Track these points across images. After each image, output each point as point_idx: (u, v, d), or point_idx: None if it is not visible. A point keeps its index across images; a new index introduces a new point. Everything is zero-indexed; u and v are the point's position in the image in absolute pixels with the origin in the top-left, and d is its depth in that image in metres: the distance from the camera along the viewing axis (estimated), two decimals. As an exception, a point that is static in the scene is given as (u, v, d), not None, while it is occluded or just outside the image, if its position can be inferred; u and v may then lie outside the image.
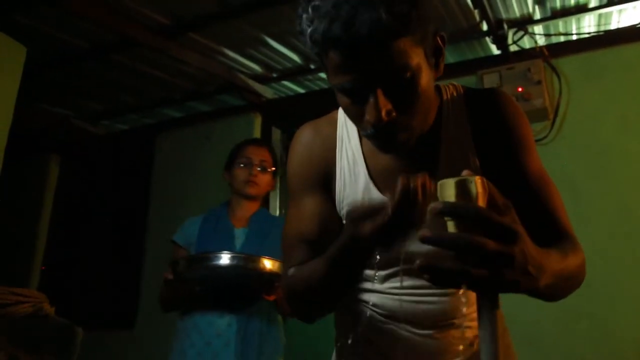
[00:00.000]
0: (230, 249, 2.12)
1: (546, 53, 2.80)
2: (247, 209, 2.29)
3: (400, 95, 0.87)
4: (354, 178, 1.07)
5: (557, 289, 0.88)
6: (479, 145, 1.04)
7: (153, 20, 2.73)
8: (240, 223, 2.26)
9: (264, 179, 2.28)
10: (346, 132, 1.11)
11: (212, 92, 3.53)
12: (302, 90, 3.53)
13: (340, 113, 1.13)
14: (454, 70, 3.06)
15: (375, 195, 1.05)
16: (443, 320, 1.10)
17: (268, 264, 1.91)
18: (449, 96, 1.07)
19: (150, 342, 3.36)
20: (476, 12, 2.66)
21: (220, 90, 3.50)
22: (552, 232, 0.97)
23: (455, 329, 1.11)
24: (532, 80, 2.71)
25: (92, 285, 3.67)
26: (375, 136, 0.92)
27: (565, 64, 2.81)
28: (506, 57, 2.87)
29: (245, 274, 1.95)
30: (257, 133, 3.49)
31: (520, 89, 2.70)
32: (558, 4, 2.67)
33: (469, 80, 2.89)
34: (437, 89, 1.07)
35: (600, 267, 2.49)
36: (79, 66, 3.18)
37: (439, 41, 0.95)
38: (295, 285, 1.05)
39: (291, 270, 1.06)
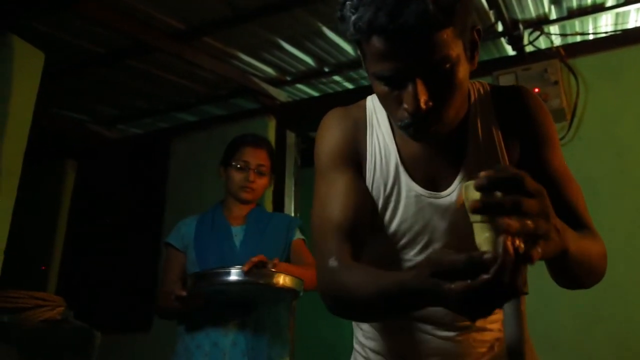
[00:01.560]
0: (230, 246, 2.09)
1: (563, 53, 2.78)
2: (243, 208, 2.23)
3: (438, 85, 0.89)
4: (384, 163, 1.08)
5: (581, 268, 0.91)
6: (505, 140, 1.06)
7: (167, 25, 2.75)
8: (237, 221, 2.20)
9: (261, 184, 2.22)
10: (376, 118, 1.12)
11: (226, 95, 3.54)
12: (316, 94, 3.53)
13: (369, 101, 1.15)
14: (469, 72, 3.04)
15: (405, 180, 1.06)
16: (464, 321, 1.10)
17: (285, 279, 1.85)
18: (476, 92, 1.09)
19: (167, 344, 3.36)
20: (491, 12, 2.64)
21: (235, 94, 3.51)
22: (574, 226, 0.96)
23: (476, 332, 1.11)
24: (549, 81, 2.69)
25: (109, 288, 3.69)
26: (411, 125, 0.93)
27: (582, 64, 2.78)
28: (522, 57, 2.84)
29: (258, 289, 1.89)
30: (271, 136, 3.49)
31: (537, 90, 2.67)
32: (574, 4, 2.64)
33: (485, 81, 2.86)
34: None
35: (619, 268, 2.46)
36: (94, 71, 3.21)
37: (475, 35, 0.97)
38: (336, 289, 0.98)
39: (333, 263, 0.98)
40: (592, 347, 2.45)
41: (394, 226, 1.07)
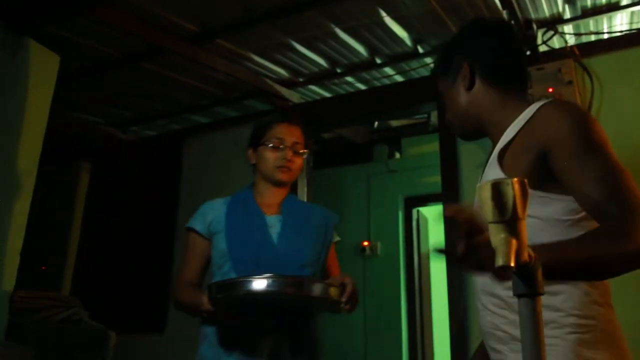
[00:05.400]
0: (265, 239, 1.87)
1: (577, 53, 2.75)
2: (277, 194, 1.99)
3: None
4: None
5: (579, 269, 1.02)
6: (514, 149, 1.22)
7: (181, 27, 2.77)
8: (270, 210, 1.96)
9: (297, 163, 1.97)
10: None
11: (239, 97, 3.56)
12: (328, 95, 3.53)
13: None
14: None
15: None
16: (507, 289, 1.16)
17: (333, 291, 1.64)
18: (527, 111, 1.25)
19: (180, 345, 3.39)
20: (505, 12, 2.62)
21: (248, 96, 3.53)
22: (595, 217, 1.11)
23: None
24: (563, 81, 2.66)
25: (124, 289, 3.72)
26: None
27: (596, 63, 2.76)
28: (536, 57, 2.82)
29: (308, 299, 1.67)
30: (284, 138, 3.49)
31: (550, 90, 2.65)
32: (589, 3, 2.62)
33: (498, 82, 2.85)
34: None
35: (634, 275, 2.43)
36: (109, 74, 3.24)
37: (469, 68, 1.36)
38: None
39: None
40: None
41: None
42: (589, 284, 1.17)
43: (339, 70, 3.22)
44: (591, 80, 2.73)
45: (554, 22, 2.74)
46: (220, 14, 2.67)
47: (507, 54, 1.36)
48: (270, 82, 3.29)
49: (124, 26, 2.62)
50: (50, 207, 4.01)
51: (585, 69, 2.75)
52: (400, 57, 3.07)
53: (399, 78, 3.28)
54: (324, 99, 3.55)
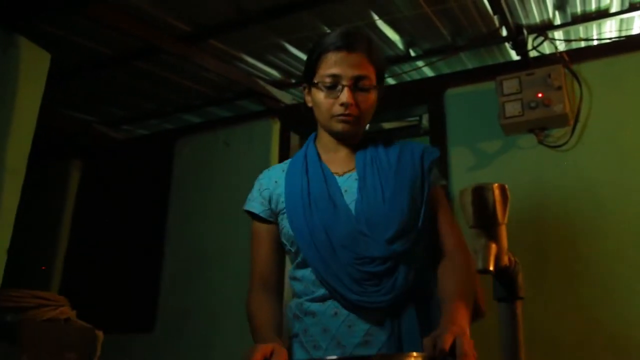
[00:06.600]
0: (338, 210, 1.38)
1: (567, 58, 2.78)
2: (346, 146, 1.53)
3: None
4: None
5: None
6: None
7: (174, 27, 2.77)
8: (342, 167, 1.49)
9: (364, 106, 1.45)
10: None
11: (231, 97, 3.56)
12: (320, 96, 3.54)
13: None
14: (473, 76, 3.04)
15: None
16: None
17: None
18: None
19: (169, 344, 3.39)
20: (495, 17, 2.65)
21: (240, 96, 3.53)
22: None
23: None
24: (552, 86, 2.68)
25: (112, 288, 3.71)
26: None
27: (586, 69, 2.78)
28: (526, 62, 2.84)
29: None
30: (275, 138, 3.50)
31: (540, 95, 2.67)
32: (579, 10, 2.64)
33: (489, 86, 2.87)
34: None
35: (622, 275, 2.45)
36: (101, 72, 3.23)
37: None
38: None
39: None
40: (593, 350, 2.45)
41: None
42: None
43: (330, 72, 3.23)
44: (580, 86, 2.75)
45: (544, 28, 2.76)
46: (214, 14, 2.67)
47: None
48: (262, 82, 3.30)
49: (118, 25, 2.62)
50: (40, 205, 4.00)
51: (574, 74, 2.77)
52: (392, 60, 3.08)
53: (390, 81, 3.29)
54: (316, 100, 3.55)
